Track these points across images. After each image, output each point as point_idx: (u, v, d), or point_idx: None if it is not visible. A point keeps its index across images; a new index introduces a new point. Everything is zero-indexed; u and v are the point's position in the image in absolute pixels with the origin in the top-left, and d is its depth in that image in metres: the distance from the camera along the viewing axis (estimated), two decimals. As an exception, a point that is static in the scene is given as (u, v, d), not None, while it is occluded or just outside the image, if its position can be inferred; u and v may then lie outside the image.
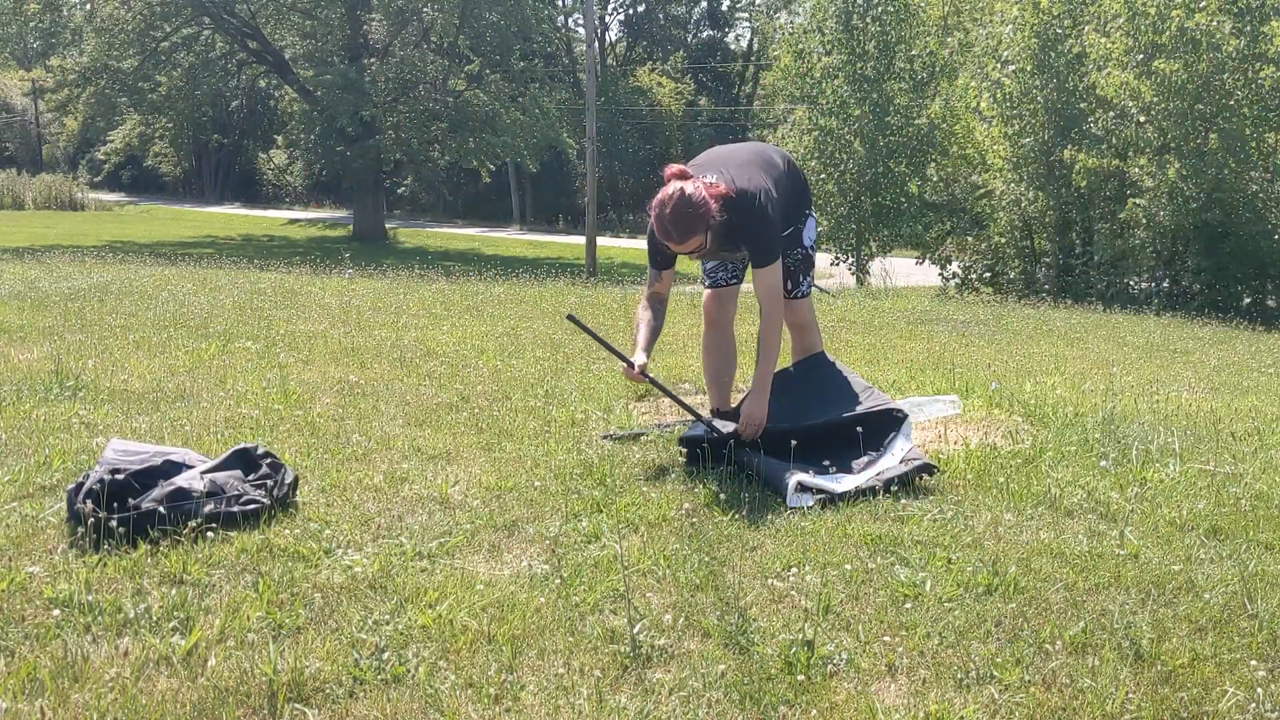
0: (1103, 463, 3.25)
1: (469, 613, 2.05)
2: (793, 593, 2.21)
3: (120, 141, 28.79)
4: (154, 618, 1.98)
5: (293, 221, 29.83)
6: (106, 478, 2.39)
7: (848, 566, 2.34)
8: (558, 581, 2.22)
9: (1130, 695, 1.83)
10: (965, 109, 15.80)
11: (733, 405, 3.40)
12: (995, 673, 1.89)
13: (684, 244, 3.11)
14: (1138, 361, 6.56)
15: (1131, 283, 14.28)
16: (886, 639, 2.01)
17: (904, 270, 15.88)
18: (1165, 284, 14.06)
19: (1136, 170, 13.18)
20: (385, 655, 1.87)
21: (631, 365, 3.18)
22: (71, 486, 2.45)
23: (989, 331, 7.83)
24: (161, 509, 2.37)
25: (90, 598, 2.03)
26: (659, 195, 3.09)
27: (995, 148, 15.12)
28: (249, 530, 2.42)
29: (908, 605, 2.16)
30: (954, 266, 16.47)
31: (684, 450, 3.18)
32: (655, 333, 3.34)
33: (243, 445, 2.70)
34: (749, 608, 2.13)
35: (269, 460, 2.65)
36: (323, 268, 10.72)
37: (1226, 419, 4.18)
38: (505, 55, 23.25)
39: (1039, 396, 4.33)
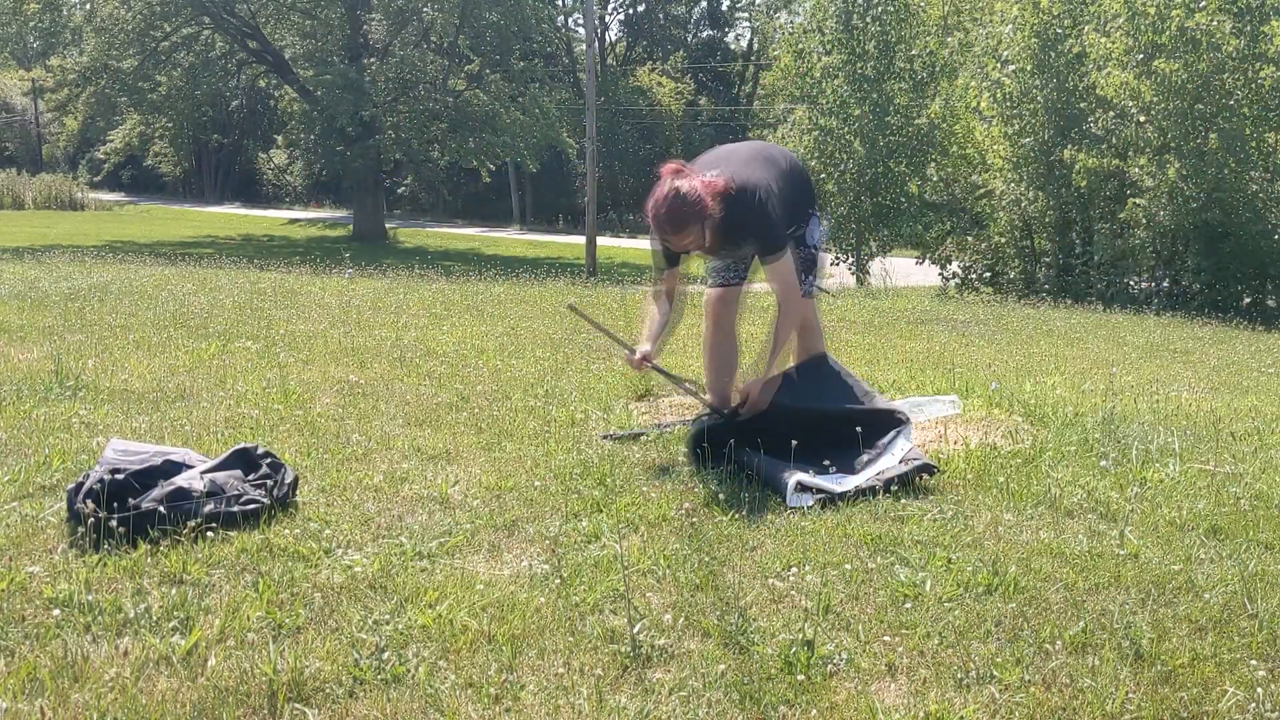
0: (1103, 462, 3.25)
1: (469, 612, 2.05)
2: (793, 592, 2.21)
3: (120, 141, 28.76)
4: (154, 617, 1.98)
5: (293, 221, 29.83)
6: (106, 477, 2.39)
7: (848, 566, 2.34)
8: (558, 581, 2.22)
9: (1130, 695, 1.83)
10: (965, 109, 15.80)
11: (732, 405, 3.40)
12: (995, 672, 1.89)
13: (680, 239, 3.12)
14: (1138, 361, 6.56)
15: (1131, 283, 14.28)
16: (886, 639, 2.01)
17: (904, 270, 15.88)
18: (1165, 284, 14.06)
19: (1136, 170, 13.18)
20: (385, 655, 1.87)
21: (633, 352, 3.19)
22: (71, 486, 2.45)
23: (989, 331, 7.83)
24: (161, 509, 2.37)
25: (90, 597, 2.03)
26: (654, 192, 3.11)
27: (995, 147, 15.12)
28: (249, 530, 2.42)
29: (908, 605, 2.16)
30: (954, 266, 16.47)
31: (687, 452, 3.19)
32: (664, 326, 3.36)
33: (243, 445, 2.70)
34: (749, 607, 2.13)
35: (269, 460, 2.65)
36: (323, 267, 10.72)
37: (1226, 419, 4.19)
38: (505, 55, 23.25)
39: (1039, 396, 4.33)
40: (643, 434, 3.49)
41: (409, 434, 3.39)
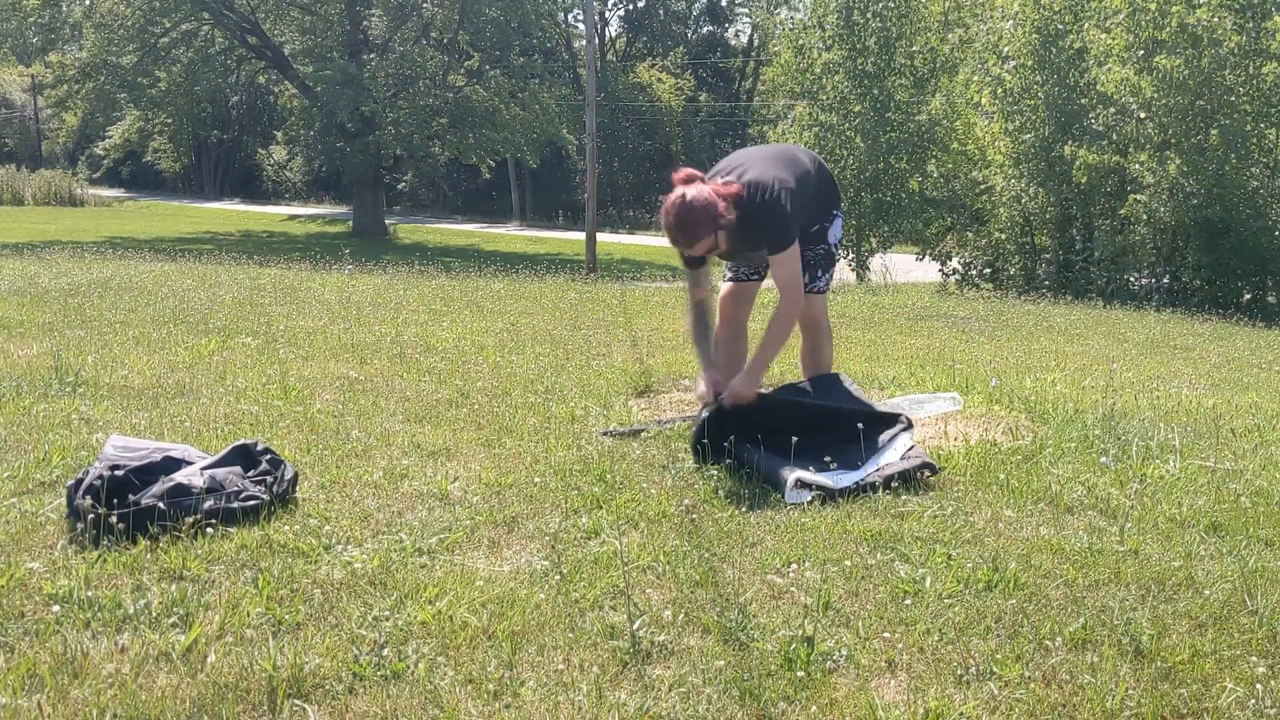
0: (1103, 459, 3.24)
1: (469, 609, 2.05)
2: (792, 589, 2.21)
3: (119, 137, 28.78)
4: (154, 614, 1.98)
5: (292, 217, 29.81)
6: (106, 474, 2.39)
7: (847, 563, 2.34)
8: (557, 578, 2.22)
9: (1130, 691, 1.83)
10: (966, 105, 15.78)
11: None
12: (995, 669, 1.89)
13: (693, 247, 3.15)
14: (1138, 358, 6.55)
15: (1132, 279, 14.28)
16: (886, 635, 2.01)
17: (904, 266, 15.87)
18: (1165, 280, 14.06)
19: (1137, 166, 13.17)
20: (385, 651, 1.87)
21: (708, 402, 3.19)
22: (71, 482, 2.45)
23: (989, 328, 7.82)
24: (161, 505, 2.37)
25: (90, 594, 2.03)
26: (665, 203, 3.12)
27: (996, 144, 15.11)
28: (249, 526, 2.42)
29: (907, 601, 2.16)
30: (954, 263, 16.46)
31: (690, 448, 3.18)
32: (709, 338, 3.39)
33: (242, 441, 2.70)
34: (749, 604, 2.13)
35: (269, 456, 2.65)
36: (322, 263, 10.72)
37: (1226, 415, 4.18)
38: (505, 51, 23.21)
39: (1039, 393, 4.33)
40: (642, 430, 3.49)
41: (409, 430, 3.39)
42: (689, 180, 3.14)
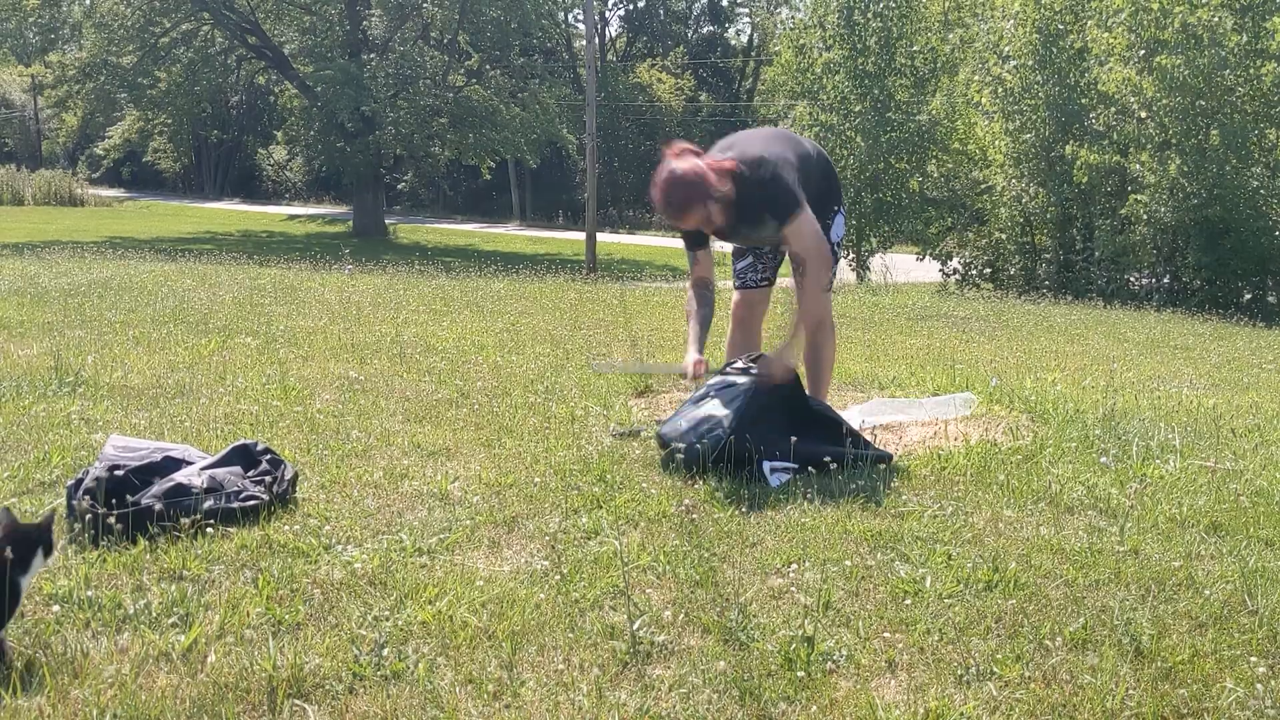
0: (1103, 459, 3.24)
1: (469, 609, 2.05)
2: (792, 589, 2.21)
3: (119, 138, 28.74)
4: (153, 614, 1.98)
5: (292, 217, 29.81)
6: (105, 474, 2.39)
7: (847, 563, 2.34)
8: (557, 578, 2.22)
9: (1130, 691, 1.83)
10: (966, 104, 15.78)
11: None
12: (995, 669, 1.89)
13: (683, 221, 3.09)
14: (1138, 358, 6.55)
15: (1132, 279, 14.28)
16: (886, 635, 2.01)
17: (904, 266, 15.87)
18: (1166, 280, 14.06)
19: (1137, 166, 13.18)
20: (385, 651, 1.86)
21: (685, 372, 3.18)
22: (71, 482, 2.44)
23: (989, 327, 7.82)
24: (160, 505, 2.36)
25: (90, 594, 2.03)
26: (655, 177, 3.09)
27: (996, 143, 15.11)
28: (248, 526, 2.42)
29: (908, 601, 2.16)
30: (954, 262, 16.47)
31: (681, 453, 3.13)
32: (706, 323, 3.33)
33: (242, 441, 2.69)
34: (749, 604, 2.13)
35: (269, 456, 2.65)
36: (322, 263, 10.72)
37: (1227, 415, 4.18)
38: (505, 51, 23.20)
39: (1039, 393, 4.33)
40: (642, 430, 3.49)
41: (409, 430, 3.39)
42: (680, 154, 3.08)
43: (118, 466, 2.45)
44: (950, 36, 16.90)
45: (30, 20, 21.88)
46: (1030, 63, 14.26)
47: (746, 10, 39.32)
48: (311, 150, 26.78)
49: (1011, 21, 14.64)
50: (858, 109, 15.91)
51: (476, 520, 2.55)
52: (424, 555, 2.33)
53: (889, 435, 3.55)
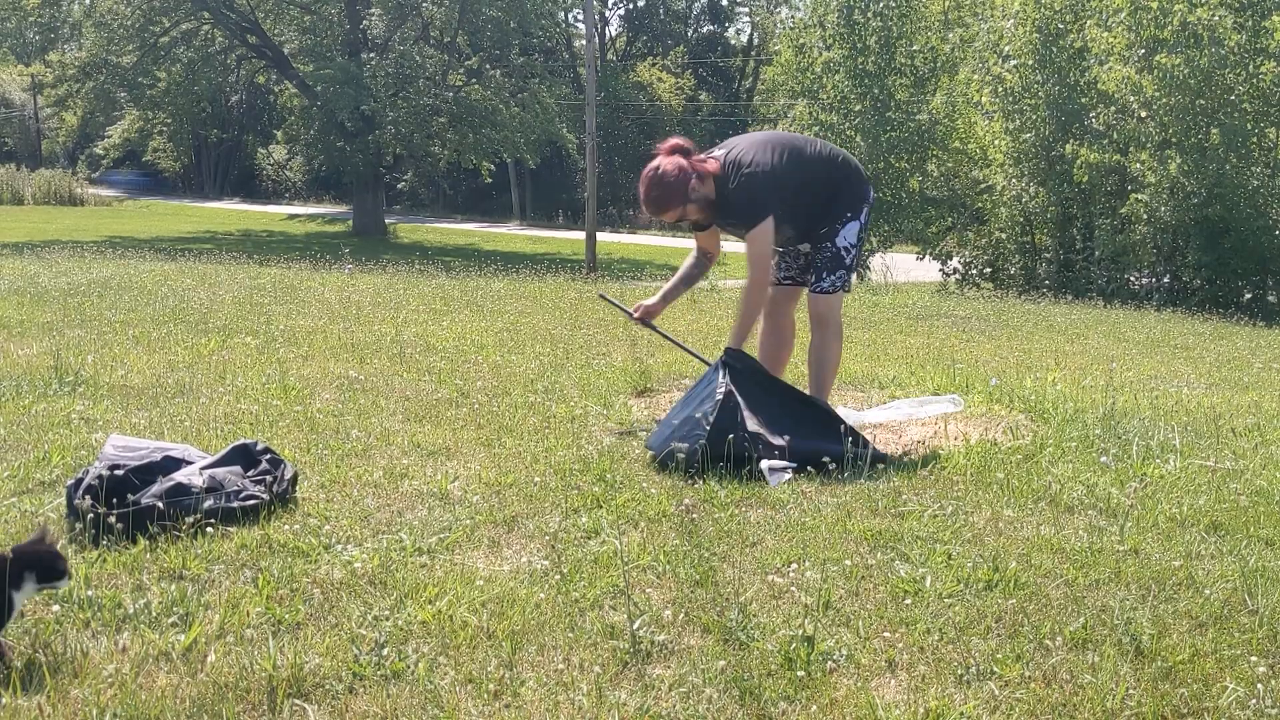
0: (1103, 458, 3.24)
1: (469, 608, 2.05)
2: (792, 588, 2.21)
3: (119, 137, 28.73)
4: (153, 613, 1.98)
5: (292, 217, 29.81)
6: (105, 473, 2.39)
7: (848, 562, 2.34)
8: (557, 577, 2.22)
9: (1130, 691, 1.83)
10: (966, 104, 15.77)
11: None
12: (995, 668, 1.89)
13: (663, 215, 3.36)
14: (1138, 357, 6.55)
15: (1132, 278, 14.28)
16: (886, 635, 2.01)
17: (905, 266, 15.87)
18: (1166, 279, 14.06)
19: (1138, 165, 13.17)
20: (385, 651, 1.86)
21: (634, 312, 3.47)
22: (71, 482, 2.44)
23: (989, 327, 7.82)
24: (160, 505, 2.36)
25: (90, 593, 2.03)
26: (644, 171, 3.32)
27: (996, 143, 15.10)
28: (248, 526, 2.42)
29: (908, 601, 2.16)
30: (955, 262, 16.46)
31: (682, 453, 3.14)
32: (687, 280, 3.59)
33: (242, 441, 2.69)
34: (749, 603, 2.13)
35: (268, 456, 2.65)
36: (322, 263, 10.71)
37: (1227, 415, 4.18)
38: (505, 50, 23.19)
39: (1039, 392, 4.33)
40: (643, 431, 3.49)
41: (409, 430, 3.39)
42: (671, 151, 3.31)
43: (118, 466, 2.45)
44: (950, 36, 16.89)
45: (30, 19, 21.87)
46: (1030, 62, 14.25)
47: (746, 10, 39.34)
48: (311, 150, 26.77)
49: (1011, 21, 14.64)
50: (858, 108, 15.90)
51: (476, 520, 2.55)
52: (424, 555, 2.33)
53: (889, 435, 3.55)
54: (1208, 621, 2.11)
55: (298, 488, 2.67)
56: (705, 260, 3.60)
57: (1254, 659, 1.95)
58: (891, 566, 2.34)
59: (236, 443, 2.68)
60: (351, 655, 1.85)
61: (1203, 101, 12.68)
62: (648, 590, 2.19)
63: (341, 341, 5.15)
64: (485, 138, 22.23)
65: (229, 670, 1.78)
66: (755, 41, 38.67)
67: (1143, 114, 13.13)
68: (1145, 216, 13.26)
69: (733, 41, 40.08)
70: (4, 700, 1.66)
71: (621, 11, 38.66)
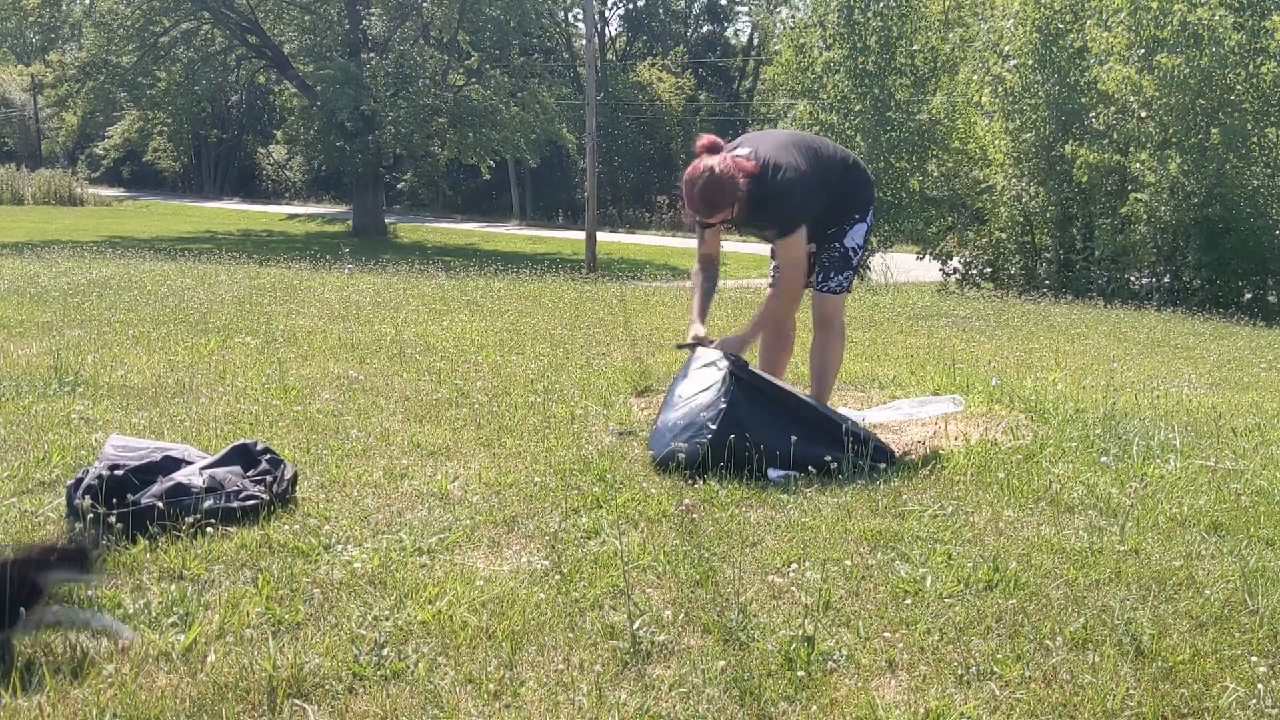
0: (1103, 458, 3.24)
1: (469, 608, 2.05)
2: (793, 589, 2.20)
3: (119, 137, 28.73)
4: (153, 613, 1.98)
5: (292, 217, 29.81)
6: (105, 473, 2.39)
7: (848, 562, 2.34)
8: (557, 577, 2.22)
9: (1131, 691, 1.83)
10: (966, 104, 15.77)
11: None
12: (995, 669, 1.89)
13: (711, 217, 3.28)
14: (1138, 357, 6.55)
15: (1132, 278, 14.27)
16: (887, 635, 2.01)
17: (905, 265, 15.86)
18: (1166, 279, 14.05)
19: (1138, 165, 13.16)
20: (385, 651, 1.86)
21: (696, 343, 3.36)
22: (70, 482, 2.44)
23: (989, 327, 7.82)
24: (160, 505, 2.36)
25: (89, 593, 2.03)
26: (689, 171, 3.22)
27: (996, 143, 15.10)
28: (248, 526, 2.42)
29: (908, 601, 2.16)
30: (955, 262, 16.46)
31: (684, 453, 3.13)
32: (709, 294, 3.55)
33: (242, 441, 2.69)
34: (749, 604, 2.13)
35: (268, 456, 2.65)
36: (322, 263, 10.71)
37: (1227, 415, 4.18)
38: (505, 50, 23.19)
39: (1039, 392, 4.33)
40: (642, 431, 3.49)
41: (408, 430, 3.39)
42: (712, 149, 3.23)
43: (117, 466, 2.45)
44: (950, 36, 16.88)
45: (30, 20, 21.86)
46: (1030, 62, 14.25)
47: (746, 9, 39.33)
48: (311, 150, 26.77)
49: (1011, 21, 14.63)
50: (858, 108, 15.90)
51: (476, 520, 2.55)
52: (424, 555, 2.33)
53: (890, 435, 3.55)
54: (1208, 621, 2.11)
55: (297, 488, 2.67)
56: (713, 268, 3.58)
57: (1254, 659, 1.95)
58: (892, 566, 2.34)
59: (236, 443, 2.68)
60: (351, 655, 1.84)
61: (1203, 101, 12.68)
62: (648, 590, 2.19)
63: (341, 341, 5.15)
64: (485, 137, 22.23)
65: (229, 670, 1.78)
66: (755, 41, 38.67)
67: (1143, 114, 13.13)
68: (1145, 216, 13.25)
69: (732, 41, 40.07)
70: (4, 700, 1.66)
71: (621, 11, 38.67)
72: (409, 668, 1.82)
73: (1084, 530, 2.62)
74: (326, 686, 1.76)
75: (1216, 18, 12.25)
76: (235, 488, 2.50)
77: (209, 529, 2.35)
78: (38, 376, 3.83)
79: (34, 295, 6.37)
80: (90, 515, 2.27)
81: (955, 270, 16.31)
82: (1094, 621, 2.08)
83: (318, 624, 1.97)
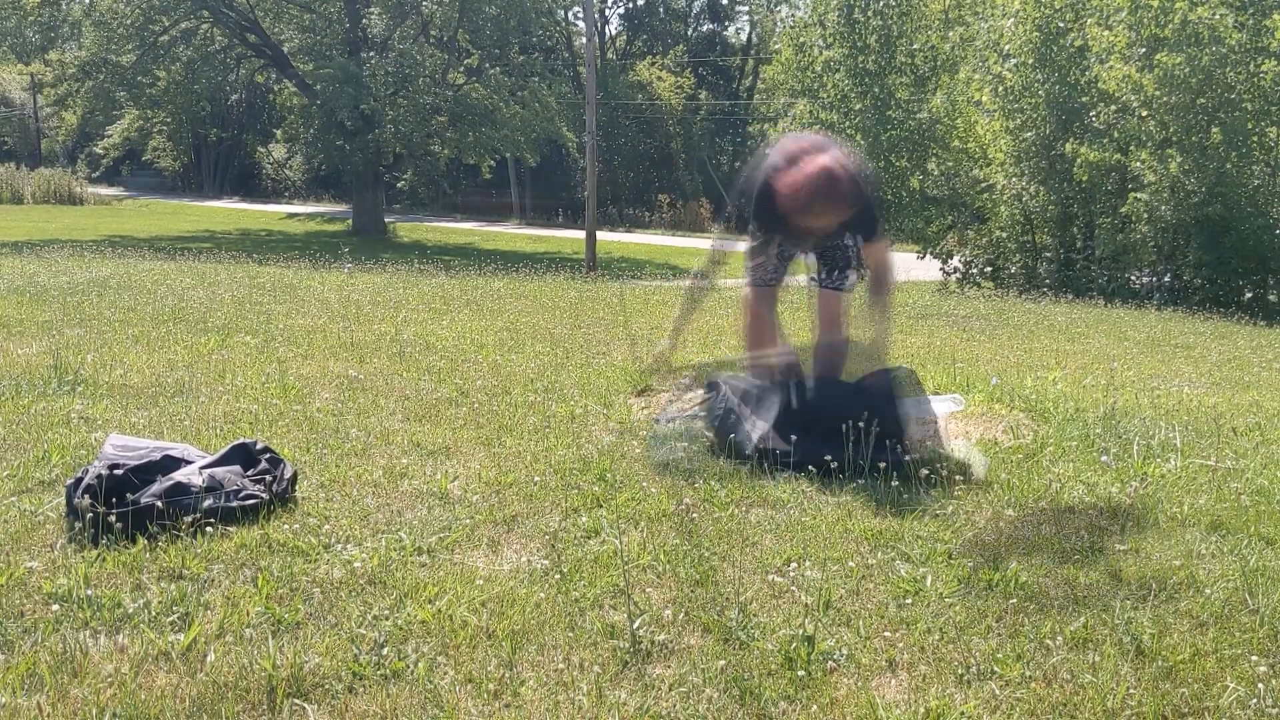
0: (1104, 458, 3.24)
1: (468, 608, 2.04)
2: (793, 588, 2.20)
3: (119, 136, 28.68)
4: (153, 613, 1.98)
5: (291, 216, 29.79)
6: (105, 473, 2.38)
7: (849, 562, 2.34)
8: (557, 577, 2.22)
9: (1131, 691, 1.83)
10: (967, 103, 15.76)
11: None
12: (996, 668, 1.88)
13: (816, 214, 3.12)
14: (1139, 356, 6.55)
15: (1133, 277, 14.26)
16: (887, 634, 2.01)
17: (905, 265, 15.82)
18: (1166, 278, 14.04)
19: (1138, 164, 13.16)
20: (385, 650, 1.86)
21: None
22: (70, 481, 2.44)
23: (990, 326, 7.82)
24: (160, 504, 2.36)
25: (89, 593, 2.03)
26: (817, 165, 3.06)
27: (997, 142, 15.09)
28: (248, 525, 2.42)
29: (908, 601, 2.16)
30: (955, 261, 16.45)
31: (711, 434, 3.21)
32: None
33: (242, 440, 2.69)
34: (749, 603, 2.13)
35: (268, 455, 2.65)
36: (322, 262, 10.71)
37: (1227, 414, 4.18)
38: (504, 49, 23.18)
39: (1040, 391, 4.33)
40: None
41: (408, 429, 3.38)
42: (824, 149, 3.14)
43: (117, 465, 2.44)
44: (950, 35, 16.88)
45: (30, 19, 21.84)
46: (1030, 61, 14.24)
47: (746, 8, 39.30)
48: (311, 149, 26.76)
49: (1012, 19, 14.62)
50: (858, 107, 15.90)
51: (476, 519, 2.55)
52: (424, 554, 2.32)
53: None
54: (1208, 621, 2.11)
55: (297, 487, 2.67)
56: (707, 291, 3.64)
57: (1255, 658, 1.95)
58: (892, 566, 2.34)
59: (236, 442, 2.68)
60: (351, 655, 1.84)
61: (1203, 100, 12.66)
62: (648, 590, 2.19)
63: (341, 341, 5.15)
64: (485, 136, 22.22)
65: (228, 670, 1.77)
66: (755, 40, 38.65)
67: (1143, 113, 13.12)
68: (1146, 215, 13.24)
69: (732, 40, 40.05)
70: (3, 700, 1.66)
71: (621, 10, 38.65)
72: (409, 667, 1.82)
73: (1084, 530, 2.61)
74: (326, 686, 1.75)
75: (1217, 17, 12.24)
76: (235, 487, 2.50)
77: (209, 528, 2.35)
78: (37, 376, 3.83)
79: (33, 294, 6.36)
80: (90, 515, 2.26)
81: (955, 269, 16.30)
82: (1094, 621, 2.08)
83: (317, 623, 1.97)
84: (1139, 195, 13.12)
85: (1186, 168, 12.51)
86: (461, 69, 23.36)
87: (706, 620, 2.04)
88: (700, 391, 3.44)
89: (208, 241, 19.66)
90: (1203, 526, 2.67)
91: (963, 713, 1.75)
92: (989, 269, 15.95)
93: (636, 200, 34.35)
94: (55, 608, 1.97)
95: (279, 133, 34.65)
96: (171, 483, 2.44)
